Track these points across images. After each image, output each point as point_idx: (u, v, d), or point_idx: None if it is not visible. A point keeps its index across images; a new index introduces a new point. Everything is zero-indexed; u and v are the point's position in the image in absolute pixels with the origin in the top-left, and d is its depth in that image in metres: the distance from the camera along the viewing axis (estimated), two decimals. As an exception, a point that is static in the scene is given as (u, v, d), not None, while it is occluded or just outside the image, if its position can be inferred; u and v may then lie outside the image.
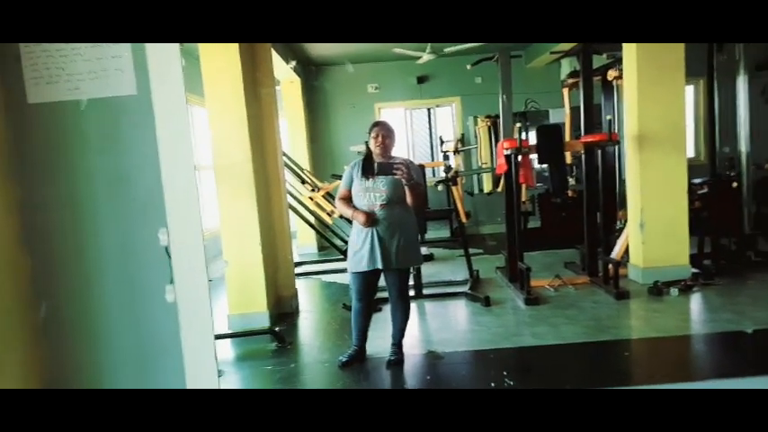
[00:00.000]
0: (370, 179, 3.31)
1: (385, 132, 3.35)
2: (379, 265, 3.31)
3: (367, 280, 3.43)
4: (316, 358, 3.84)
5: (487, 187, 9.36)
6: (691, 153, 8.44)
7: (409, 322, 3.60)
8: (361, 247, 3.34)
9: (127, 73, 1.86)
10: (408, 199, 3.28)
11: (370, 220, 3.27)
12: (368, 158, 3.38)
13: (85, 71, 1.86)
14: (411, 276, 4.81)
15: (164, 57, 1.82)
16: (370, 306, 3.59)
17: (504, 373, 3.24)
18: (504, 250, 5.70)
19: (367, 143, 3.40)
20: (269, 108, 4.88)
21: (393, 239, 3.30)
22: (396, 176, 3.19)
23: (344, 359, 3.53)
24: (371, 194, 3.31)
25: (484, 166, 9.35)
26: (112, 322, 2.02)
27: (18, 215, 1.96)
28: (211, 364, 1.97)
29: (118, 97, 1.92)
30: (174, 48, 1.83)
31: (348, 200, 3.43)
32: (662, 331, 3.82)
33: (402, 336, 3.58)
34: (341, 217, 3.72)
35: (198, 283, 1.92)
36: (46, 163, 1.96)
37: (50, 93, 1.88)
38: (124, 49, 1.86)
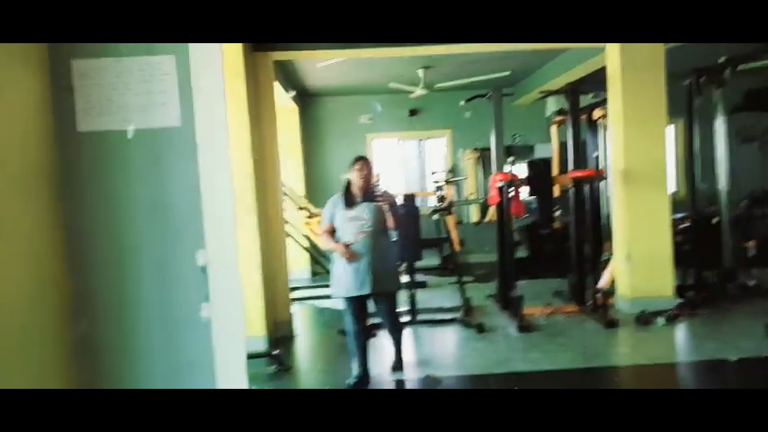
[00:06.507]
0: (354, 208, 3.57)
1: (368, 167, 3.67)
2: (367, 290, 3.54)
3: (359, 303, 3.65)
4: (319, 382, 3.90)
5: (475, 217, 9.57)
6: (674, 188, 8.75)
7: (406, 346, 3.79)
8: (347, 274, 3.55)
9: (172, 107, 2.01)
10: (390, 222, 3.63)
11: (352, 255, 3.50)
12: (348, 190, 3.65)
13: (134, 104, 2.01)
14: (407, 302, 4.94)
15: (209, 91, 1.98)
16: (366, 328, 3.79)
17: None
18: (496, 278, 5.83)
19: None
20: (270, 137, 5.05)
21: (377, 264, 3.54)
22: (379, 202, 3.57)
23: (353, 382, 3.62)
24: (357, 223, 3.56)
25: (470, 197, 9.57)
26: (148, 338, 2.12)
27: (63, 236, 2.07)
28: (243, 381, 2.07)
29: (162, 128, 2.07)
30: (219, 81, 1.98)
31: (332, 233, 3.66)
32: (651, 359, 3.98)
33: (400, 343, 3.89)
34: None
35: (233, 301, 2.03)
36: (91, 188, 2.08)
37: (100, 122, 2.02)
38: (170, 84, 2.01)
